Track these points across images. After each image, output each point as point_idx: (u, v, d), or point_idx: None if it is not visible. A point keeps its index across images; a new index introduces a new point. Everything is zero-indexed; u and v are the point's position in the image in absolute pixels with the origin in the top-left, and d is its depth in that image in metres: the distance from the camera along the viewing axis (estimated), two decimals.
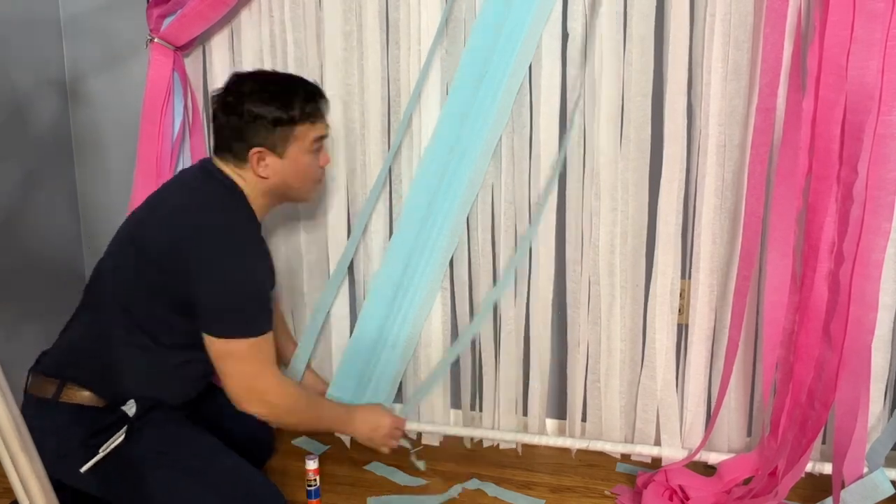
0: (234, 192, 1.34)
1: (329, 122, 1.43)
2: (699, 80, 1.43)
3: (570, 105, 1.51)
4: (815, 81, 1.30)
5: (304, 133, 1.35)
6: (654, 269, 1.53)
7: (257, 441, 1.53)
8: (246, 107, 1.30)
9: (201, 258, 1.24)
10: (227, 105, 1.33)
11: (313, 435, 1.80)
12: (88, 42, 1.84)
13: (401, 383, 1.71)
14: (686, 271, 1.54)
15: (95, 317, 1.33)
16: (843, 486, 1.39)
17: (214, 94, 1.37)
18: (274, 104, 1.31)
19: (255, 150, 1.31)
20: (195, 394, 1.40)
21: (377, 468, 1.64)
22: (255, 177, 1.34)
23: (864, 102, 1.26)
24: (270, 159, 1.33)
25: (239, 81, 1.35)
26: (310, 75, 1.62)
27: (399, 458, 1.68)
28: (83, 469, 1.24)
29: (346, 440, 1.75)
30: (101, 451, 1.24)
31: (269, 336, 1.30)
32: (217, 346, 1.26)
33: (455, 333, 1.68)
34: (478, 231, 1.61)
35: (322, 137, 1.40)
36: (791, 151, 1.32)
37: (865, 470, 1.42)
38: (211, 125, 1.39)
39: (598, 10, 1.44)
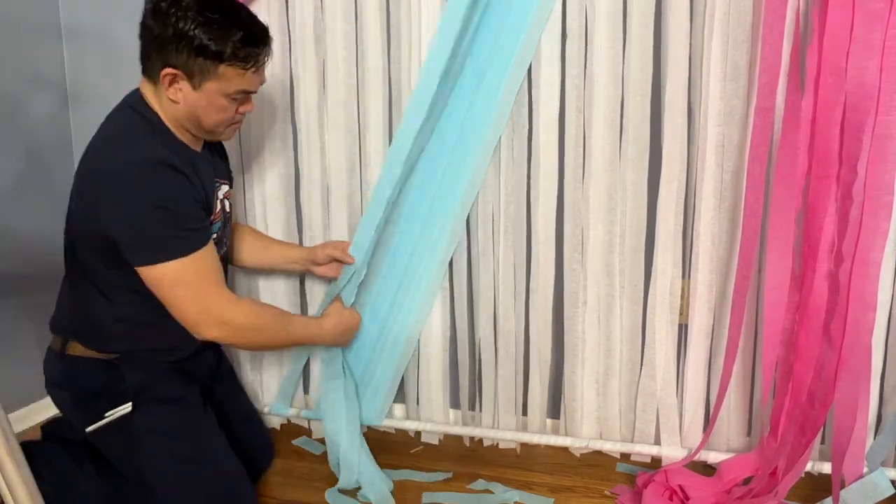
0: (145, 118, 1.24)
1: (266, 78, 1.30)
2: (698, 80, 1.43)
3: (569, 105, 1.51)
4: (814, 82, 1.30)
5: (229, 77, 1.21)
6: (653, 269, 1.53)
7: (256, 450, 1.55)
8: (175, 20, 1.16)
9: (101, 192, 1.19)
10: (157, 10, 1.18)
11: (311, 434, 1.80)
12: (88, 44, 1.85)
13: (401, 383, 1.71)
14: (686, 271, 1.54)
15: (66, 272, 1.36)
16: (843, 486, 1.40)
17: None
18: (206, 30, 1.16)
19: (168, 70, 1.19)
20: (187, 345, 1.34)
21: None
22: (167, 99, 1.23)
23: (863, 103, 1.26)
24: (183, 85, 1.21)
25: None
26: (311, 75, 1.64)
27: (400, 459, 1.68)
28: (88, 430, 1.30)
29: None
30: (106, 416, 1.28)
31: (201, 255, 1.22)
32: (146, 276, 1.21)
33: (455, 333, 1.69)
34: (478, 231, 1.61)
35: (248, 92, 1.27)
36: (790, 151, 1.32)
37: (865, 470, 1.42)
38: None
39: (596, 10, 1.45)
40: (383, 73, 1.60)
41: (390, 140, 1.63)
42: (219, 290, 1.27)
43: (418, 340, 1.68)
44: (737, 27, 1.38)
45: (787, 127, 1.32)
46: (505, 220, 1.59)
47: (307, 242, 1.73)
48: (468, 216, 1.60)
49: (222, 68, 1.20)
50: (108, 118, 1.29)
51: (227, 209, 1.44)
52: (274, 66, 1.65)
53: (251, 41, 1.21)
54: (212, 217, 1.34)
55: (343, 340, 1.57)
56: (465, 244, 1.63)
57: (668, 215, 1.50)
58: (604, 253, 1.56)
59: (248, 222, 1.74)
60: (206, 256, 1.25)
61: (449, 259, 1.63)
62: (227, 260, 1.50)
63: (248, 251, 1.59)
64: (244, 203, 1.74)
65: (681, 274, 1.54)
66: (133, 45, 1.71)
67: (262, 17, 1.61)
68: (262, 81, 1.30)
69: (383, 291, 1.64)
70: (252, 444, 1.55)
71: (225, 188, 1.42)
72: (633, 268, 1.55)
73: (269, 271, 1.71)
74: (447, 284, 1.66)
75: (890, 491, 1.39)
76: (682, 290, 1.54)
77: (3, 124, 1.73)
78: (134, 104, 1.26)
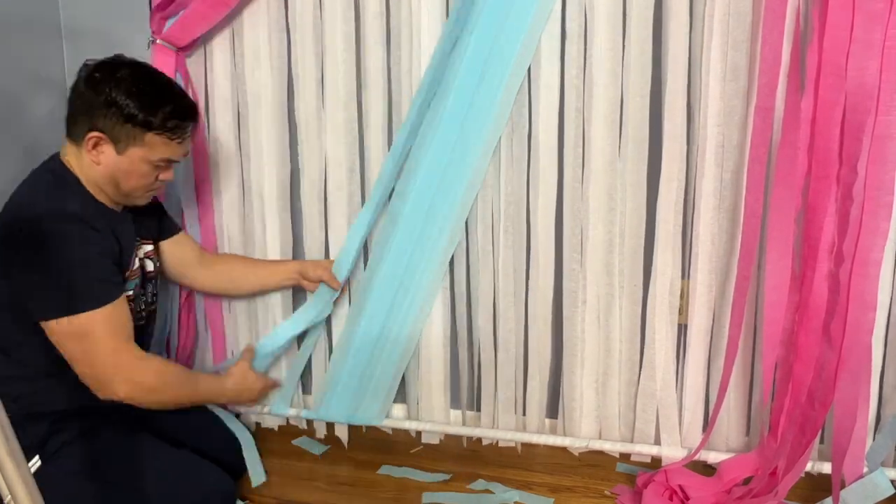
0: (61, 177, 1.28)
1: (189, 150, 1.39)
2: (698, 81, 1.43)
3: (568, 105, 1.51)
4: (814, 82, 1.30)
5: (155, 145, 1.29)
6: (653, 269, 1.53)
7: (222, 464, 1.48)
8: (109, 88, 1.24)
9: (8, 243, 1.20)
10: (91, 78, 1.26)
11: (312, 434, 1.80)
12: (88, 44, 1.84)
13: (402, 382, 1.72)
14: (685, 271, 1.54)
15: None
16: (843, 486, 1.40)
17: (87, 64, 1.29)
18: (137, 101, 1.25)
19: (93, 133, 1.26)
20: (91, 401, 1.28)
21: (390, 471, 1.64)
22: (89, 161, 1.28)
23: (863, 103, 1.26)
24: (106, 148, 1.27)
25: (116, 64, 1.28)
26: (310, 75, 1.64)
27: (400, 459, 1.68)
28: None
29: (345, 440, 1.76)
30: None
31: (109, 309, 1.22)
32: (51, 330, 1.20)
33: (455, 333, 1.69)
34: (478, 231, 1.61)
35: (172, 161, 1.35)
36: (790, 151, 1.32)
37: (865, 470, 1.42)
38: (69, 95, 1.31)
39: (596, 10, 1.45)
40: (383, 73, 1.60)
41: (390, 140, 1.63)
42: (128, 346, 1.25)
43: (419, 340, 1.68)
44: (737, 27, 1.38)
45: (787, 127, 1.32)
46: (505, 220, 1.59)
47: (307, 242, 1.73)
48: (468, 216, 1.61)
49: (149, 136, 1.28)
50: (25, 180, 1.32)
51: (150, 268, 1.43)
52: (273, 66, 1.65)
53: (180, 114, 1.30)
54: (126, 273, 1.34)
55: (240, 400, 1.59)
56: (464, 244, 1.63)
57: (667, 215, 1.50)
58: (603, 253, 1.56)
59: (247, 223, 1.74)
60: (117, 309, 1.24)
61: (449, 259, 1.63)
62: (151, 318, 1.49)
63: (238, 279, 1.62)
64: (243, 204, 1.74)
65: (680, 274, 1.54)
66: (133, 45, 1.73)
67: (262, 17, 1.63)
68: (186, 153, 1.37)
69: (383, 291, 1.64)
70: (214, 446, 1.51)
71: (147, 247, 1.43)
72: (633, 268, 1.55)
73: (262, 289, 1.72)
74: (447, 284, 1.66)
75: (890, 491, 1.39)
76: (682, 290, 1.54)
77: (3, 124, 1.73)
78: (53, 167, 1.31)
